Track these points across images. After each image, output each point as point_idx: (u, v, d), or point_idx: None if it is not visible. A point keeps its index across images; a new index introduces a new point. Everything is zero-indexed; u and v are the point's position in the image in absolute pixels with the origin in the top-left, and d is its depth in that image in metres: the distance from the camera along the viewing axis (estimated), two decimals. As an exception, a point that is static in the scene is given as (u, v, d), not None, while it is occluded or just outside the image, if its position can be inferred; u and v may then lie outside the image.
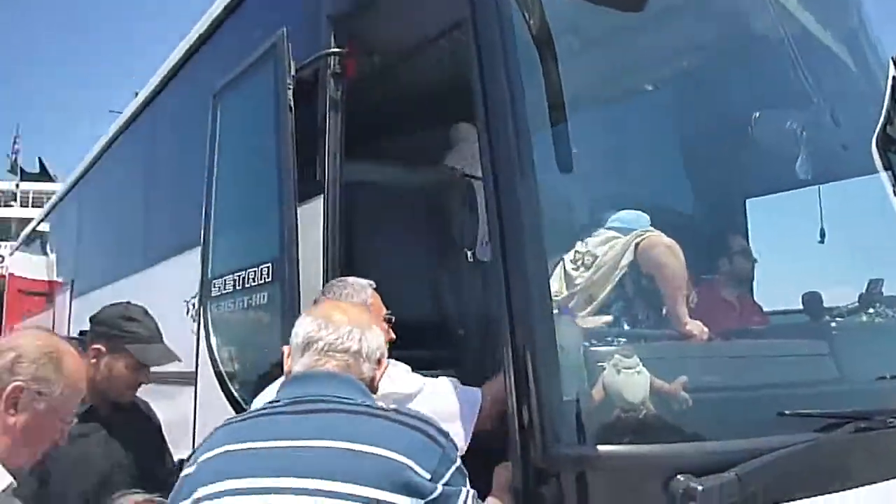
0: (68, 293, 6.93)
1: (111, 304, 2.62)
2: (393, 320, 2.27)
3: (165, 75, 4.71)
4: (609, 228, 2.45)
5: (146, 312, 2.58)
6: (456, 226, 3.63)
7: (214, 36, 3.96)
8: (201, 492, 1.39)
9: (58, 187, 25.87)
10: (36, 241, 10.96)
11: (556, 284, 2.25)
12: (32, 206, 25.39)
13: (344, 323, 1.62)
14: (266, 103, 2.92)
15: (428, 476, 1.36)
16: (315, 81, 2.83)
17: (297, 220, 2.63)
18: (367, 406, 1.51)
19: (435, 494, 1.36)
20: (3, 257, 21.64)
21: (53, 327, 7.22)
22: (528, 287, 1.76)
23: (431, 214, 3.85)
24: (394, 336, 2.18)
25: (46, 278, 10.20)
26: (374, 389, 1.63)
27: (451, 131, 3.70)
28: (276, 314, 2.66)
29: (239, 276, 2.87)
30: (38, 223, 9.97)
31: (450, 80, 3.03)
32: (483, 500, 1.62)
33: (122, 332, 2.43)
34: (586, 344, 1.99)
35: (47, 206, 9.57)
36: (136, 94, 5.66)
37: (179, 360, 2.62)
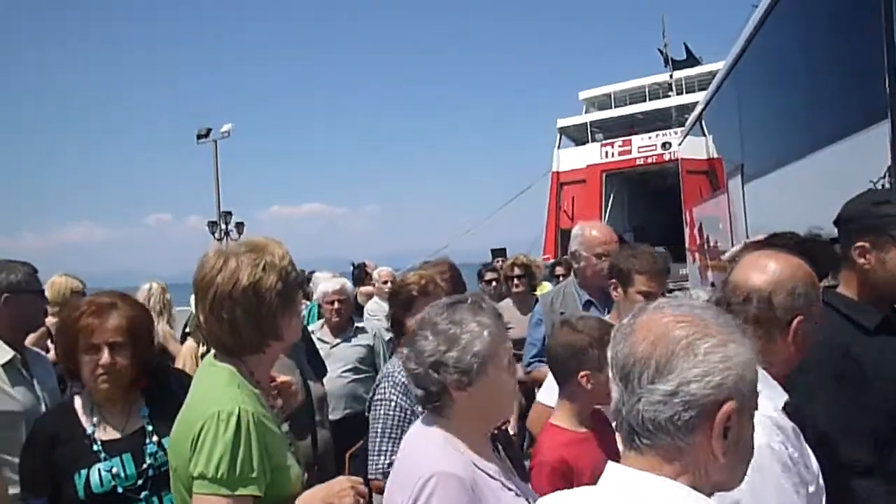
0: (738, 178, 7.15)
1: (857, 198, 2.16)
2: None
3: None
4: None
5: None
6: None
7: None
8: None
9: (705, 69, 26.98)
10: (695, 124, 11.78)
11: None
12: (686, 93, 27.14)
13: None
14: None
15: None
16: None
17: None
18: None
19: None
20: (669, 143, 23.85)
21: (729, 213, 7.68)
22: None
23: None
24: None
25: (706, 157, 10.90)
26: None
27: None
28: None
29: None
30: (703, 110, 10.53)
31: None
32: None
33: (879, 219, 2.00)
34: None
35: (709, 91, 9.95)
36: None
37: None
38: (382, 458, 2.49)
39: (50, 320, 4.09)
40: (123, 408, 2.12)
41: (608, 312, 3.29)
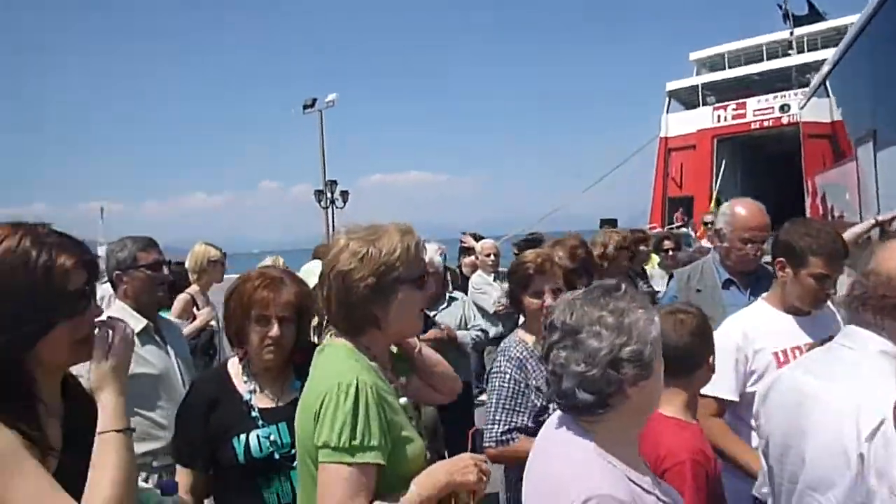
0: (870, 145, 6.61)
1: None
2: None
3: None
4: None
5: None
6: None
7: None
8: None
9: (830, 24, 25.04)
10: (821, 84, 10.95)
11: None
12: (808, 51, 25.35)
13: None
14: None
15: None
16: None
17: None
18: None
19: None
20: (788, 106, 22.53)
21: (857, 183, 7.18)
22: None
23: None
24: None
25: (829, 119, 10.15)
26: None
27: None
28: None
29: None
30: (830, 70, 9.80)
31: None
32: None
33: None
34: None
35: (838, 50, 9.21)
36: None
37: None
38: (496, 427, 2.58)
39: (193, 288, 4.43)
40: (278, 378, 2.20)
41: (750, 293, 3.08)
